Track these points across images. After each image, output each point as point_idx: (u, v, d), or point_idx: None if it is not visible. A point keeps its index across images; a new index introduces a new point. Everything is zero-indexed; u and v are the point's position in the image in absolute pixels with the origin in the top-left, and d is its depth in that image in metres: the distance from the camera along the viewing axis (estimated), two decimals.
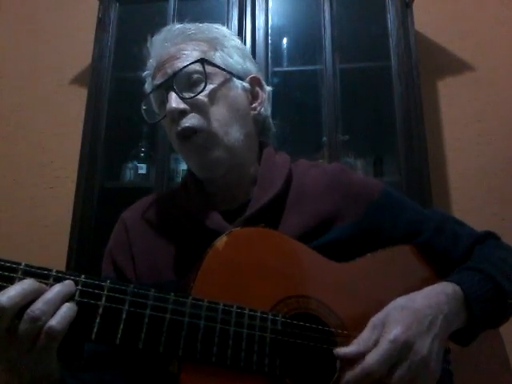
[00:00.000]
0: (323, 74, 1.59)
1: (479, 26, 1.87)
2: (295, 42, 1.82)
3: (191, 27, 0.78)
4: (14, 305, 0.47)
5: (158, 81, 0.74)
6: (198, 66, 0.72)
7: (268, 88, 0.83)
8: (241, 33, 1.63)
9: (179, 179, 1.65)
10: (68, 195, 1.65)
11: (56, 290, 0.49)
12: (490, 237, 0.78)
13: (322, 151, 1.60)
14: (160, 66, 0.75)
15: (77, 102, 1.88)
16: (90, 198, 1.55)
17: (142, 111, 0.79)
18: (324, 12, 1.64)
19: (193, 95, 0.72)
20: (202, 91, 0.72)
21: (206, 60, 0.73)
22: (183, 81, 0.73)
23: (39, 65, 2.07)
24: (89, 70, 1.75)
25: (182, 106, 0.71)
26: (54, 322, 0.48)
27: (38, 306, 0.47)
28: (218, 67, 0.75)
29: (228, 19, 1.64)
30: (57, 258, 1.55)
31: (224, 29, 0.83)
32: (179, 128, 0.72)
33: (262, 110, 0.81)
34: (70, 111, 1.95)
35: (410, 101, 1.51)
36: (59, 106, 2.00)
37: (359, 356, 0.56)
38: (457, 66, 1.84)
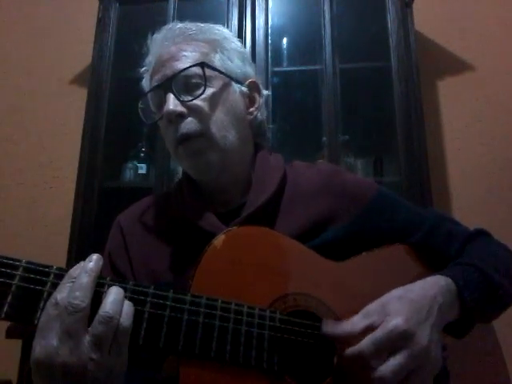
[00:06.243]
0: (323, 73, 1.60)
1: (479, 26, 1.87)
2: (295, 42, 1.82)
3: (192, 27, 0.78)
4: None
5: (157, 81, 0.74)
6: (197, 69, 0.72)
7: (265, 92, 0.83)
8: (241, 33, 1.63)
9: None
10: (68, 195, 1.66)
11: (114, 291, 0.51)
12: (481, 234, 0.79)
13: (322, 151, 1.60)
14: (159, 66, 0.74)
15: (77, 101, 1.88)
16: (89, 197, 1.55)
17: (139, 110, 0.78)
18: (324, 12, 1.64)
19: (191, 98, 0.71)
20: (200, 95, 0.71)
21: (206, 63, 0.72)
22: (182, 83, 0.72)
23: (39, 65, 2.08)
24: (89, 70, 1.75)
25: (180, 108, 0.71)
26: (124, 319, 0.50)
27: (108, 307, 0.49)
28: (218, 71, 0.74)
29: (228, 19, 1.64)
30: (57, 258, 1.55)
31: (225, 30, 0.82)
32: (178, 134, 0.71)
33: (259, 114, 0.81)
34: (70, 111, 1.96)
35: (410, 101, 1.51)
36: (59, 106, 2.00)
37: (341, 337, 0.57)
38: (457, 66, 1.85)
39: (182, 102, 0.71)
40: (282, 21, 1.77)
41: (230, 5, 1.66)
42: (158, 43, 0.77)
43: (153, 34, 0.79)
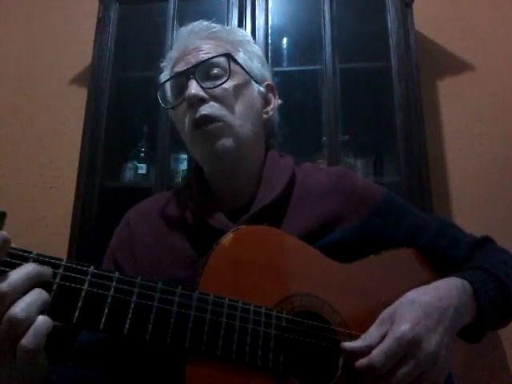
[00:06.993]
0: (323, 73, 1.59)
1: (479, 26, 1.87)
2: (295, 42, 1.82)
3: (217, 26, 0.82)
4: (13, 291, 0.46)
5: (180, 68, 0.76)
6: (222, 60, 0.75)
7: (279, 101, 0.87)
8: None
9: (179, 179, 1.66)
10: (68, 195, 1.65)
11: (31, 295, 0.47)
12: (488, 241, 0.79)
13: (322, 151, 1.60)
14: (183, 55, 0.77)
15: (77, 101, 1.88)
16: (89, 197, 1.55)
17: (158, 96, 0.81)
18: (324, 12, 1.64)
19: (213, 86, 0.74)
20: (222, 83, 0.74)
21: (232, 56, 0.76)
22: (203, 72, 0.75)
23: (39, 65, 2.08)
24: (89, 70, 1.75)
25: (202, 93, 0.73)
26: (28, 339, 0.45)
27: (17, 310, 0.45)
28: (241, 66, 0.78)
29: (228, 19, 1.64)
30: None
31: (248, 35, 0.88)
32: (197, 115, 0.72)
33: (273, 116, 0.84)
34: (70, 111, 1.96)
35: (410, 101, 1.51)
36: (59, 105, 2.00)
37: (364, 351, 0.56)
38: (457, 66, 1.85)
39: (204, 89, 0.73)
40: (282, 21, 1.77)
41: (230, 5, 1.66)
42: (184, 36, 0.80)
43: (179, 30, 0.83)
